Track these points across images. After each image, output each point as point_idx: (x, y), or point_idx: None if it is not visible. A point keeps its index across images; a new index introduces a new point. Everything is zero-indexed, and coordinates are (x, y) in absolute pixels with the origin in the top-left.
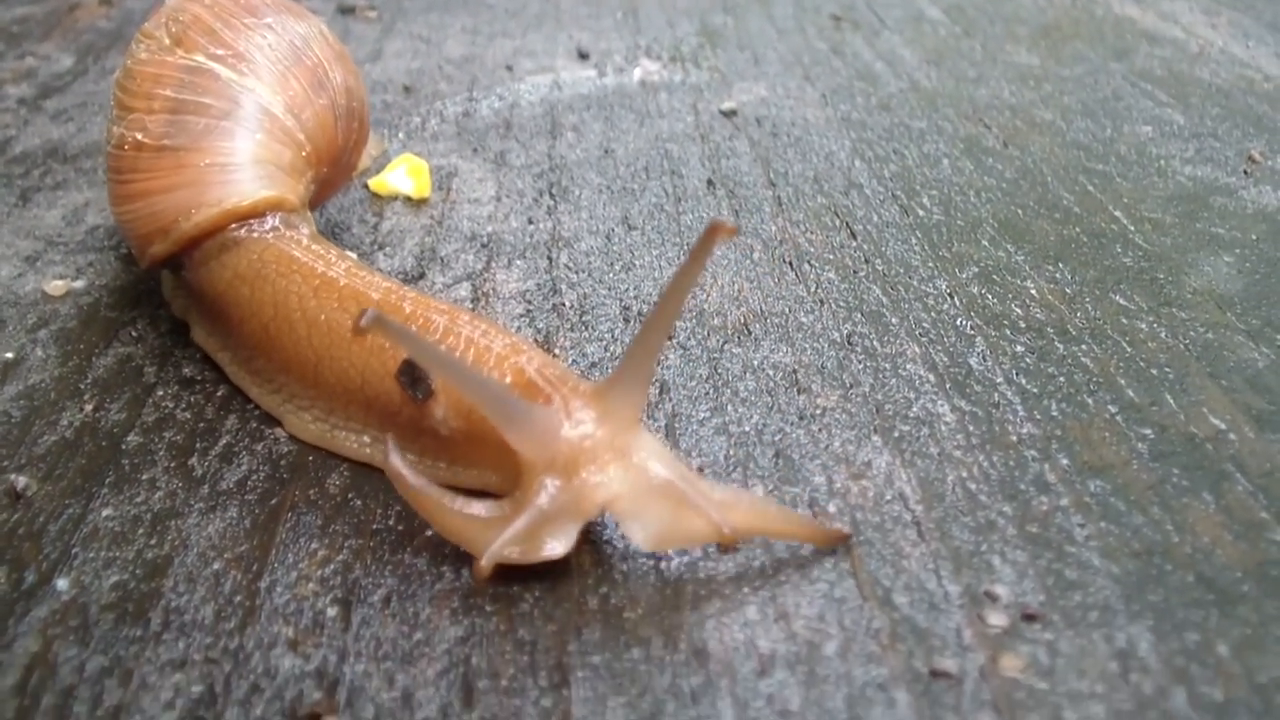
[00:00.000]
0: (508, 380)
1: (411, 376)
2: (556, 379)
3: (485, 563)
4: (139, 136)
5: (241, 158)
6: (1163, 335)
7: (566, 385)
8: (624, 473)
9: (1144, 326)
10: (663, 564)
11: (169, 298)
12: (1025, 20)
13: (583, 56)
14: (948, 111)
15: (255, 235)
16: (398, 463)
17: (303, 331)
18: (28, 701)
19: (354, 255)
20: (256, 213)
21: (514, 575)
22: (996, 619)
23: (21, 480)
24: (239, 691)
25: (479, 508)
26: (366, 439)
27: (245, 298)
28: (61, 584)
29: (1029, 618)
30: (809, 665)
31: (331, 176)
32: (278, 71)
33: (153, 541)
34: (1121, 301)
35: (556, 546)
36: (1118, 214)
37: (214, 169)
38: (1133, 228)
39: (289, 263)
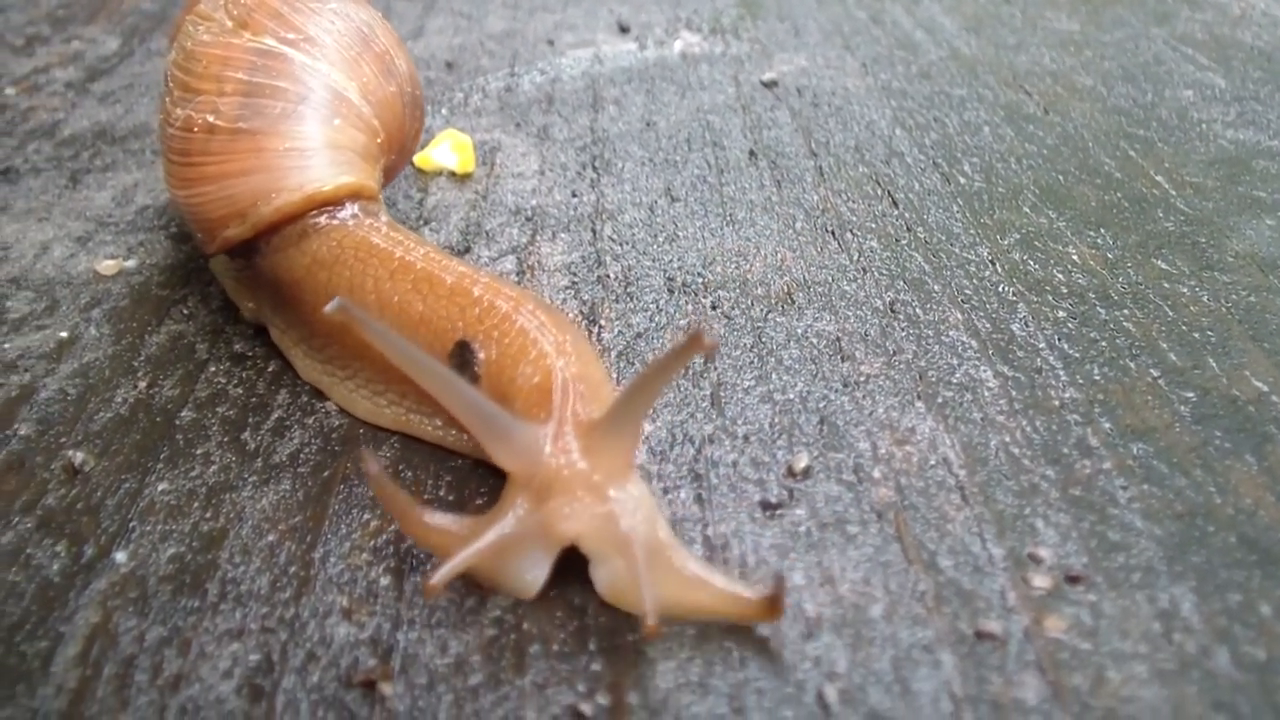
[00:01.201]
0: (535, 380)
1: (461, 360)
2: (577, 395)
3: (436, 580)
4: (210, 119)
5: (320, 143)
6: (1205, 299)
7: (573, 406)
8: (592, 513)
9: (1186, 290)
10: (709, 530)
11: (221, 278)
12: None
13: (623, 30)
14: (988, 79)
15: (335, 222)
16: (375, 468)
17: (375, 314)
18: (90, 671)
19: (434, 242)
20: (337, 199)
21: None
22: (1040, 581)
23: (79, 456)
24: (295, 660)
25: (448, 520)
26: (439, 421)
27: (322, 282)
28: (120, 557)
29: (1072, 579)
30: (855, 628)
31: (395, 164)
32: (349, 57)
33: (208, 514)
34: (1163, 266)
35: (528, 585)
36: (1159, 179)
37: (293, 153)
38: (1174, 192)
39: (368, 249)
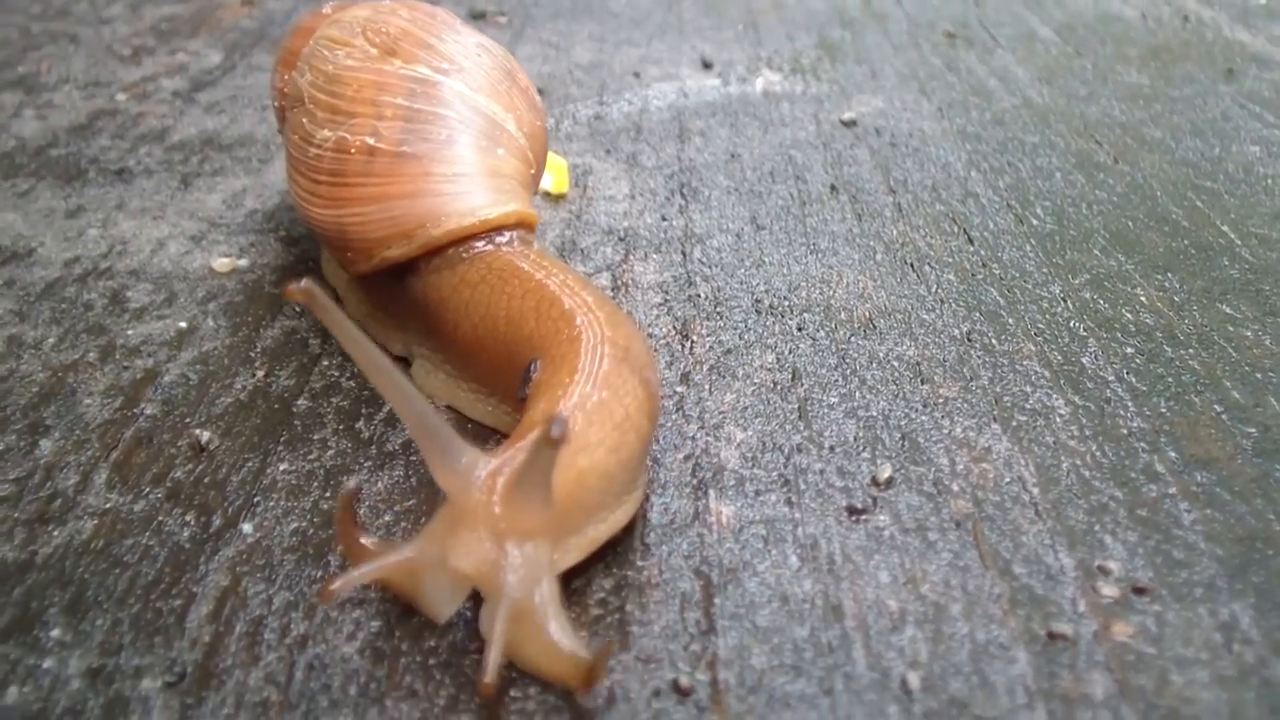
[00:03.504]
0: (535, 419)
1: (524, 375)
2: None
3: (335, 585)
4: (370, 141)
5: (484, 170)
6: (1267, 342)
7: (521, 456)
8: (482, 557)
9: (1249, 334)
10: (798, 530)
11: (345, 296)
12: (1135, 41)
13: (706, 66)
14: (1059, 127)
15: (491, 247)
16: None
17: (501, 329)
18: (222, 628)
19: (579, 271)
20: (504, 226)
21: (663, 536)
22: (1108, 590)
23: (205, 435)
24: (412, 627)
25: (375, 540)
26: None
27: (464, 300)
28: (246, 528)
29: (1138, 591)
30: (936, 624)
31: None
32: (500, 90)
33: (327, 494)
34: (1228, 310)
35: (437, 613)
36: (1225, 229)
37: (461, 179)
38: (1240, 242)
39: (512, 271)
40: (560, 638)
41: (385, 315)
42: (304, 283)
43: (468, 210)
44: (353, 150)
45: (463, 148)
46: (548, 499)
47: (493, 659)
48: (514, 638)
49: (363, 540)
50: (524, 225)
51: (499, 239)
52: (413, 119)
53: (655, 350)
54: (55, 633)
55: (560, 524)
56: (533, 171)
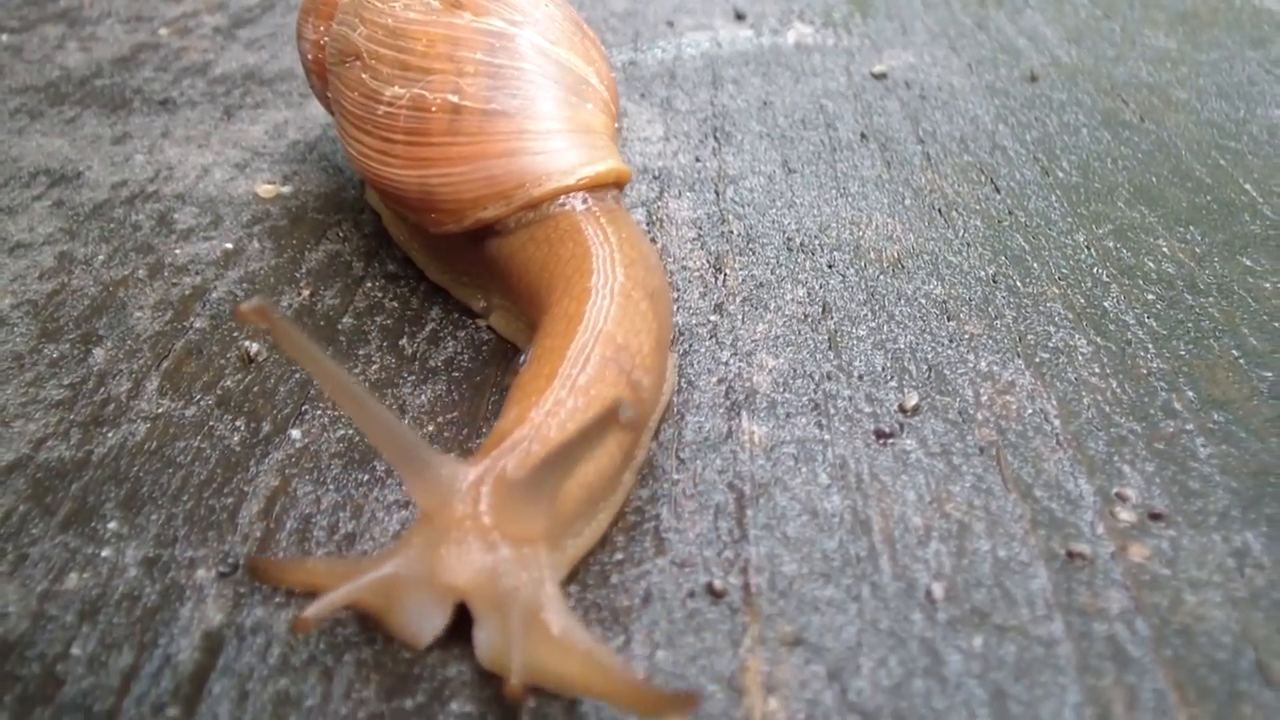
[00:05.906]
0: (504, 426)
1: (512, 368)
2: (521, 453)
3: (309, 613)
4: (453, 99)
5: (577, 126)
6: None
7: (507, 461)
8: (477, 569)
9: (1269, 285)
10: (828, 450)
11: (389, 226)
12: (1164, 6)
13: (739, 17)
14: (1087, 86)
15: (572, 206)
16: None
17: (543, 292)
18: (272, 525)
19: (645, 238)
20: (602, 184)
21: (697, 452)
22: (1126, 515)
23: (253, 347)
24: None
25: (333, 561)
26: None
27: (529, 256)
28: (295, 434)
29: (1155, 517)
30: (960, 540)
31: None
32: (576, 41)
33: None
34: (1248, 263)
35: (414, 635)
36: (1247, 187)
37: (555, 136)
38: (1261, 200)
39: (574, 233)
40: (578, 637)
41: (459, 270)
42: (255, 301)
43: (567, 169)
44: (434, 109)
45: (551, 103)
46: (551, 506)
47: (516, 662)
48: (529, 646)
49: (311, 566)
50: (619, 183)
51: (588, 196)
52: (497, 75)
53: (689, 282)
54: (112, 525)
55: (550, 536)
56: (616, 125)
